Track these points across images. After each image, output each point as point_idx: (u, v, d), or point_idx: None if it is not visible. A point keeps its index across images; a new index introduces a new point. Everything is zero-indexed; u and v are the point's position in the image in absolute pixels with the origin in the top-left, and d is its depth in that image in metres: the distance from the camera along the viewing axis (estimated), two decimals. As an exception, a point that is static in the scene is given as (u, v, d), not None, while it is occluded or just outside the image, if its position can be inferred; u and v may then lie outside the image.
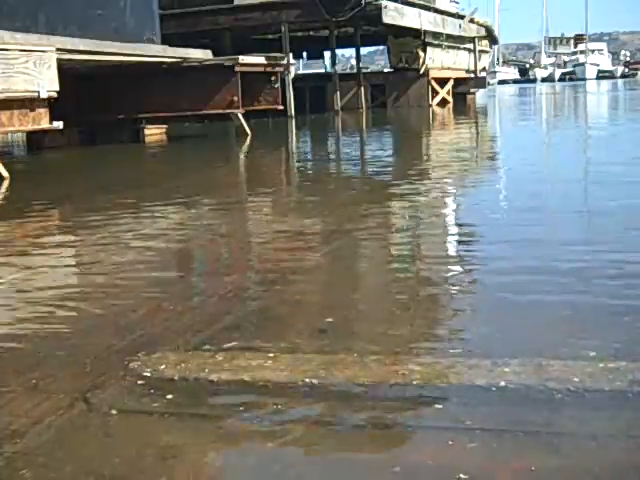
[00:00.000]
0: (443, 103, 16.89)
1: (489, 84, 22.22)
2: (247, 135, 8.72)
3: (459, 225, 2.96)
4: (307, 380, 1.34)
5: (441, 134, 8.75)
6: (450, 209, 3.41)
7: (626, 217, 2.79)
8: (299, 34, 15.84)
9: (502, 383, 1.29)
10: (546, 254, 2.23)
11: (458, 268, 2.18)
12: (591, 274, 1.98)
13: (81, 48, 6.48)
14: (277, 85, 9.45)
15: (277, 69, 9.51)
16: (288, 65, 11.54)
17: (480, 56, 19.75)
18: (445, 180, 4.38)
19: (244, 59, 8.63)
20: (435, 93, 16.75)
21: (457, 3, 21.01)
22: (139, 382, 1.38)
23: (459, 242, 2.62)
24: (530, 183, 3.97)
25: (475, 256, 2.33)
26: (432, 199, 3.59)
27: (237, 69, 8.42)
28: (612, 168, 4.30)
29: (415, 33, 15.22)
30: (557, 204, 3.28)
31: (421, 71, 16.26)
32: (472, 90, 19.56)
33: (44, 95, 5.32)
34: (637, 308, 1.69)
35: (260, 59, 9.08)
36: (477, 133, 8.67)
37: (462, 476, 1.02)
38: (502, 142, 6.70)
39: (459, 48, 18.37)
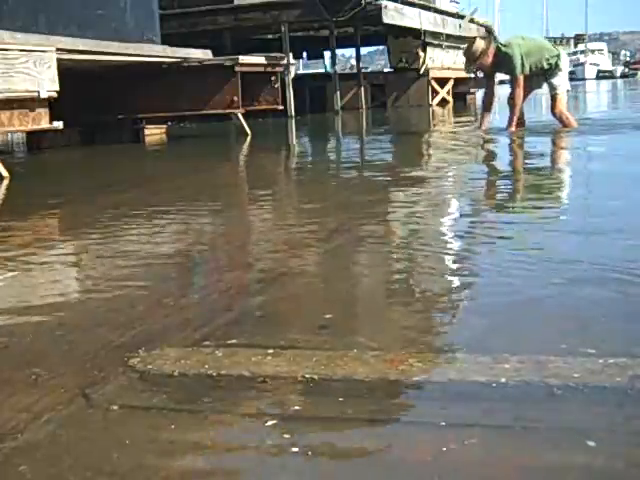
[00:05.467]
0: (443, 103, 16.89)
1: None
2: (247, 135, 8.72)
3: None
4: (307, 376, 1.34)
5: (442, 135, 8.73)
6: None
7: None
8: (299, 34, 15.82)
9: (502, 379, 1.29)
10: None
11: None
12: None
13: (81, 48, 6.47)
14: (277, 85, 9.44)
15: (277, 69, 9.50)
16: (288, 65, 11.51)
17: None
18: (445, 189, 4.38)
19: (244, 59, 8.62)
20: (435, 93, 16.74)
21: (457, 3, 21.02)
22: (139, 378, 1.38)
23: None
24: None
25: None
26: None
27: (237, 69, 8.41)
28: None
29: (415, 33, 15.21)
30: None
31: (421, 71, 16.24)
32: (472, 90, 19.54)
33: (44, 95, 5.31)
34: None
35: (260, 59, 9.07)
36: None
37: (460, 473, 1.03)
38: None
39: (459, 48, 18.35)
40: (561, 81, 6.96)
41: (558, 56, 6.89)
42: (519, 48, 6.80)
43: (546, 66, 6.83)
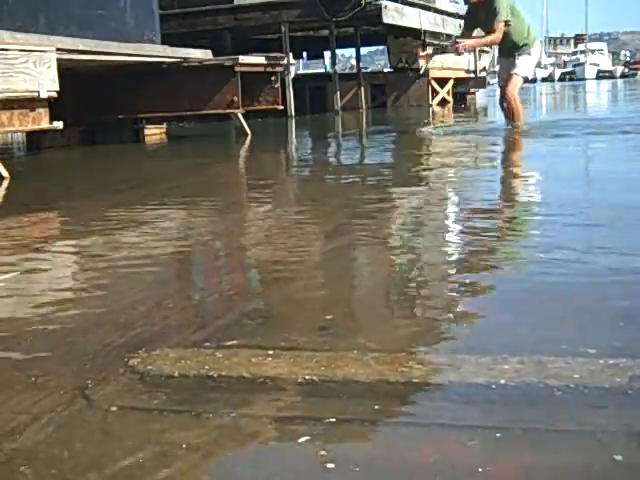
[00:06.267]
0: (443, 103, 16.89)
1: (489, 84, 22.21)
2: (247, 135, 8.72)
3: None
4: (307, 377, 1.34)
5: (442, 133, 8.72)
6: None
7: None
8: (299, 34, 15.81)
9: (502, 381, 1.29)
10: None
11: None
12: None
13: (81, 48, 6.47)
14: (277, 85, 9.43)
15: (277, 69, 9.49)
16: (288, 65, 11.50)
17: (480, 56, 19.73)
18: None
19: (244, 59, 8.61)
20: (435, 93, 16.74)
21: (457, 3, 20.97)
22: (139, 379, 1.38)
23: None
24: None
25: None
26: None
27: (237, 69, 8.41)
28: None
29: (415, 33, 15.20)
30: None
31: (421, 71, 16.25)
32: (472, 90, 19.54)
33: (44, 95, 5.31)
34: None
35: (260, 59, 9.07)
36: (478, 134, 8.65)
37: (462, 474, 1.03)
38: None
39: (459, 48, 18.31)
40: (524, 64, 6.90)
41: (534, 39, 6.91)
42: None
43: (516, 39, 6.81)
